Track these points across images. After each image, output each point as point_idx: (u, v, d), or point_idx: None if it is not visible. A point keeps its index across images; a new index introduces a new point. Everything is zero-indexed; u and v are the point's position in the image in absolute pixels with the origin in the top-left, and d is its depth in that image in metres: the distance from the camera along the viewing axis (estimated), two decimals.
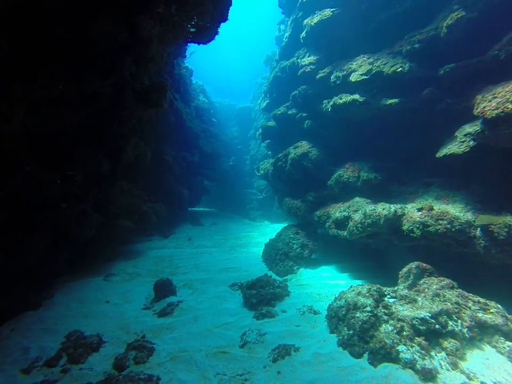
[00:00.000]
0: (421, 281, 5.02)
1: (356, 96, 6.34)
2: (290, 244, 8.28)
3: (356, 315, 4.47)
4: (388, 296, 4.92)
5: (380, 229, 6.17)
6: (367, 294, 4.81)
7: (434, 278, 4.95)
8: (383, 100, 6.07)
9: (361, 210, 6.61)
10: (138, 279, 7.52)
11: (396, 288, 5.06)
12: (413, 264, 5.24)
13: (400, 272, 5.44)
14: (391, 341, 3.94)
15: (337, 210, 7.34)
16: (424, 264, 5.16)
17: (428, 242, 5.75)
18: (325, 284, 6.96)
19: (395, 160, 6.93)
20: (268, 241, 9.62)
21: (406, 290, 4.72)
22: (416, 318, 4.02)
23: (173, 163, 11.78)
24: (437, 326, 3.90)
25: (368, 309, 4.44)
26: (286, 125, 9.46)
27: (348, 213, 6.99)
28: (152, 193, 10.70)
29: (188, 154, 13.77)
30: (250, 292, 5.84)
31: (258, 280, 6.02)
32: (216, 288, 6.96)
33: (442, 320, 3.94)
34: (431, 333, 3.91)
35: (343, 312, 4.71)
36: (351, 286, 5.85)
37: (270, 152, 15.40)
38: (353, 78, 6.41)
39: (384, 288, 5.06)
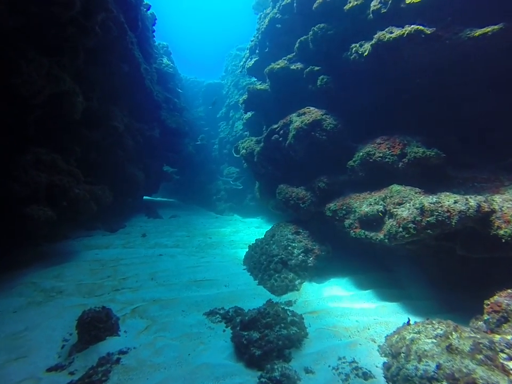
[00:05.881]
0: None
1: (420, 27, 4.15)
2: (290, 247, 5.98)
3: None
4: (505, 355, 2.79)
5: (443, 231, 4.11)
6: (479, 357, 2.63)
7: None
8: (465, 31, 3.92)
9: (409, 203, 4.49)
10: (58, 302, 4.74)
11: (509, 338, 2.95)
12: None
13: (493, 302, 3.41)
14: None
15: (363, 203, 5.18)
16: None
17: None
18: (348, 310, 4.78)
19: (451, 135, 4.90)
20: (253, 242, 7.23)
21: None
22: None
23: (124, 134, 8.82)
24: None
25: None
26: (286, 87, 7.00)
27: (384, 206, 4.86)
28: (92, 171, 7.74)
29: (146, 127, 10.79)
30: (250, 335, 3.42)
31: (262, 313, 3.61)
32: (185, 319, 4.46)
33: None
34: None
35: None
36: (408, 323, 3.70)
37: (247, 132, 12.93)
38: None
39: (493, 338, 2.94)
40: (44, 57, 3.62)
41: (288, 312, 3.88)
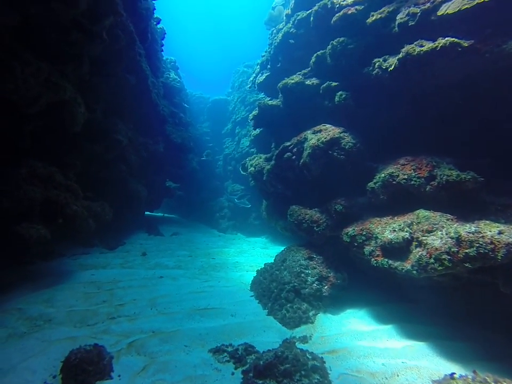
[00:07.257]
0: None
1: (455, 40, 3.83)
2: (303, 275, 5.49)
3: None
4: None
5: (484, 265, 3.64)
6: None
7: None
8: (510, 44, 3.59)
9: (441, 231, 4.05)
10: (44, 333, 4.21)
11: None
12: None
13: None
14: None
15: (386, 229, 4.72)
16: None
17: None
18: (371, 349, 4.24)
19: (484, 156, 4.51)
20: (260, 264, 6.75)
21: None
22: None
23: (128, 148, 8.50)
24: None
25: None
26: (299, 103, 6.66)
27: (410, 233, 4.40)
28: (93, 186, 7.34)
29: (151, 142, 10.49)
30: None
31: (279, 358, 3.10)
32: (188, 356, 3.93)
33: None
34: None
35: None
36: (452, 376, 3.16)
37: (254, 149, 12.63)
38: (451, 8, 3.87)
39: None
40: (43, 63, 3.29)
41: (307, 355, 3.36)
